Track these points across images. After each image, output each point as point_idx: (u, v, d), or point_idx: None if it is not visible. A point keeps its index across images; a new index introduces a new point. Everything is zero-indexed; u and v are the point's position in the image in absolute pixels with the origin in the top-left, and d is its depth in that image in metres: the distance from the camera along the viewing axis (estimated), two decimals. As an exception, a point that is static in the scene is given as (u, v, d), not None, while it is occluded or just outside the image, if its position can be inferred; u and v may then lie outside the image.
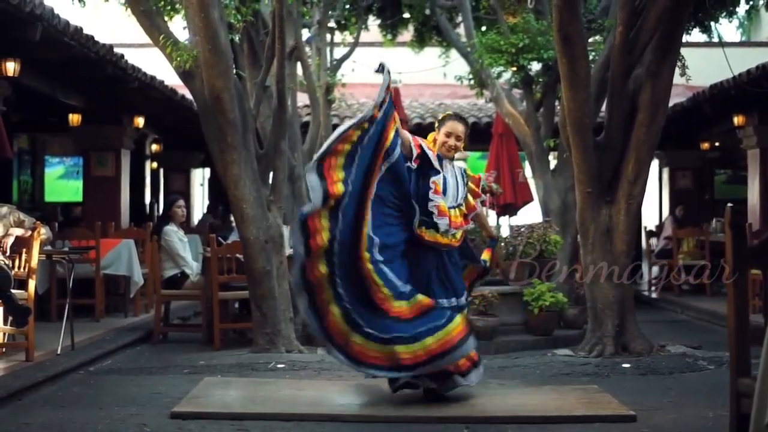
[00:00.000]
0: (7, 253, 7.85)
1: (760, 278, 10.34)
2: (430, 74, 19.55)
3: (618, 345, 8.55)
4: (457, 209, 6.31)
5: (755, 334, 3.57)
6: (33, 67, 10.24)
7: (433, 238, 6.20)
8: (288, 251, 9.47)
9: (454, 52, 16.42)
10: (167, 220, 10.11)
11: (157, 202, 19.44)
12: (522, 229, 9.96)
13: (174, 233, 9.96)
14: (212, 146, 8.76)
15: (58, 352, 8.13)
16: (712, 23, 13.77)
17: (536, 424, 5.85)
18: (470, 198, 6.46)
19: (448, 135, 6.40)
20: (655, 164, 18.18)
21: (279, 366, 7.94)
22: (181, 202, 10.33)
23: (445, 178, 6.31)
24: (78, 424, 5.78)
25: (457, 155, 6.62)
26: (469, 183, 6.50)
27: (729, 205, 3.93)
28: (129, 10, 9.35)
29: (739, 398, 3.70)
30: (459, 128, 6.44)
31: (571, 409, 6.14)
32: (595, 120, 8.97)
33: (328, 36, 16.03)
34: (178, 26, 10.72)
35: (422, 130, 17.04)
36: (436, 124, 6.57)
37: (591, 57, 10.05)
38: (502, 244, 9.88)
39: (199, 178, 21.61)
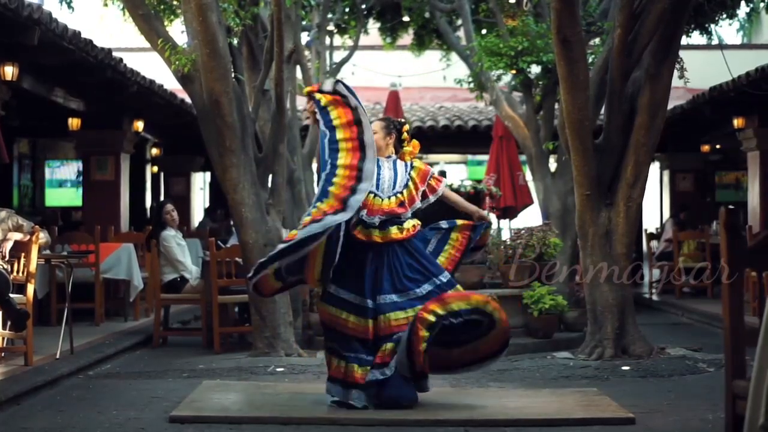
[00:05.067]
0: (6, 258, 7.84)
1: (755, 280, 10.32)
2: (430, 77, 19.59)
3: (618, 348, 8.54)
4: (393, 198, 6.33)
5: (752, 336, 3.56)
6: (32, 71, 10.26)
7: (367, 236, 6.24)
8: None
9: (454, 56, 16.44)
10: (163, 225, 10.10)
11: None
12: (522, 232, 9.94)
13: (172, 238, 9.96)
14: (211, 150, 8.76)
15: (58, 356, 8.11)
16: (712, 26, 13.80)
17: (535, 427, 5.85)
18: (411, 188, 6.42)
19: None
20: (655, 167, 18.19)
21: (278, 370, 7.94)
22: (169, 207, 10.30)
23: (379, 175, 6.35)
24: (77, 428, 5.78)
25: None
26: (412, 173, 6.47)
27: (721, 207, 3.92)
28: (128, 14, 9.36)
29: (735, 400, 3.70)
30: (372, 125, 6.45)
31: (570, 411, 6.13)
32: (594, 123, 8.96)
33: (328, 39, 16.05)
34: (177, 30, 10.74)
35: (422, 133, 17.08)
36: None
37: (590, 60, 10.05)
38: (502, 247, 9.86)
39: (200, 182, 21.62)
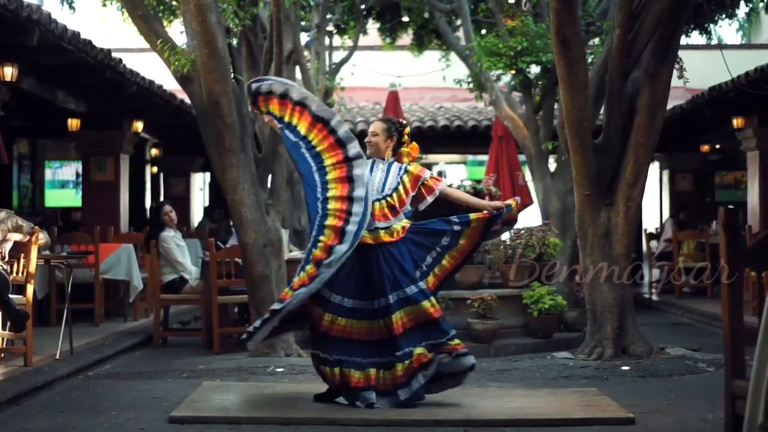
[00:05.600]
0: (6, 258, 7.84)
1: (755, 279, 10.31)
2: (429, 77, 19.59)
3: (617, 348, 8.54)
4: (383, 201, 6.35)
5: (751, 336, 3.56)
6: (32, 72, 10.26)
7: (360, 239, 6.24)
8: (287, 255, 9.48)
9: (453, 56, 16.44)
10: (162, 226, 10.09)
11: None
12: (522, 232, 9.94)
13: (171, 239, 9.95)
14: (211, 150, 8.76)
15: (57, 357, 8.11)
16: (711, 26, 13.80)
17: (535, 427, 5.86)
18: (401, 191, 6.40)
19: (368, 135, 6.62)
20: (655, 167, 18.19)
21: (278, 370, 7.93)
22: (167, 208, 10.30)
23: (370, 176, 6.40)
24: (77, 429, 5.78)
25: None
26: (404, 176, 6.45)
27: (720, 207, 3.92)
28: (127, 14, 9.36)
29: (734, 400, 3.70)
30: (373, 125, 6.64)
31: (570, 411, 6.13)
32: (593, 123, 8.96)
33: (327, 40, 16.04)
34: (176, 30, 10.74)
35: (422, 133, 17.08)
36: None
37: (589, 60, 10.05)
38: (502, 247, 9.86)
39: (200, 182, 21.63)
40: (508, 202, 6.71)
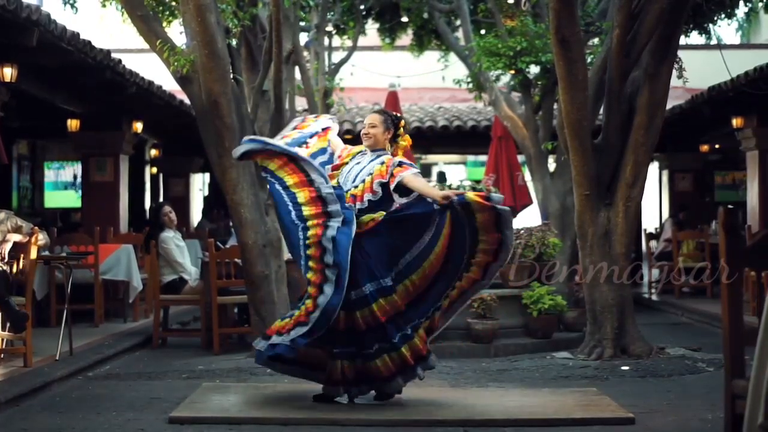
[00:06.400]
0: (5, 259, 7.84)
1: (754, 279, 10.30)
2: (428, 78, 19.59)
3: (617, 347, 8.54)
4: (347, 192, 6.34)
5: (751, 336, 3.56)
6: (31, 72, 10.26)
7: None
8: (286, 255, 9.47)
9: (452, 56, 16.44)
10: (161, 227, 10.08)
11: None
12: (521, 232, 9.93)
13: (170, 240, 9.95)
14: (210, 151, 8.76)
15: (57, 357, 8.11)
16: (711, 25, 13.81)
17: (535, 427, 5.87)
18: (368, 181, 6.34)
19: (365, 127, 6.62)
20: (654, 167, 18.19)
21: (278, 370, 7.93)
22: (167, 209, 10.29)
23: (351, 168, 6.46)
24: (76, 429, 5.79)
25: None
26: (377, 166, 6.38)
27: (720, 207, 3.92)
28: (126, 15, 9.36)
29: (734, 399, 3.70)
30: (371, 117, 6.64)
31: (569, 411, 6.14)
32: (593, 122, 8.96)
33: (327, 40, 16.03)
34: (176, 31, 10.73)
35: (421, 133, 17.09)
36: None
37: (589, 60, 10.05)
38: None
39: (199, 183, 21.63)
40: (469, 194, 6.36)
